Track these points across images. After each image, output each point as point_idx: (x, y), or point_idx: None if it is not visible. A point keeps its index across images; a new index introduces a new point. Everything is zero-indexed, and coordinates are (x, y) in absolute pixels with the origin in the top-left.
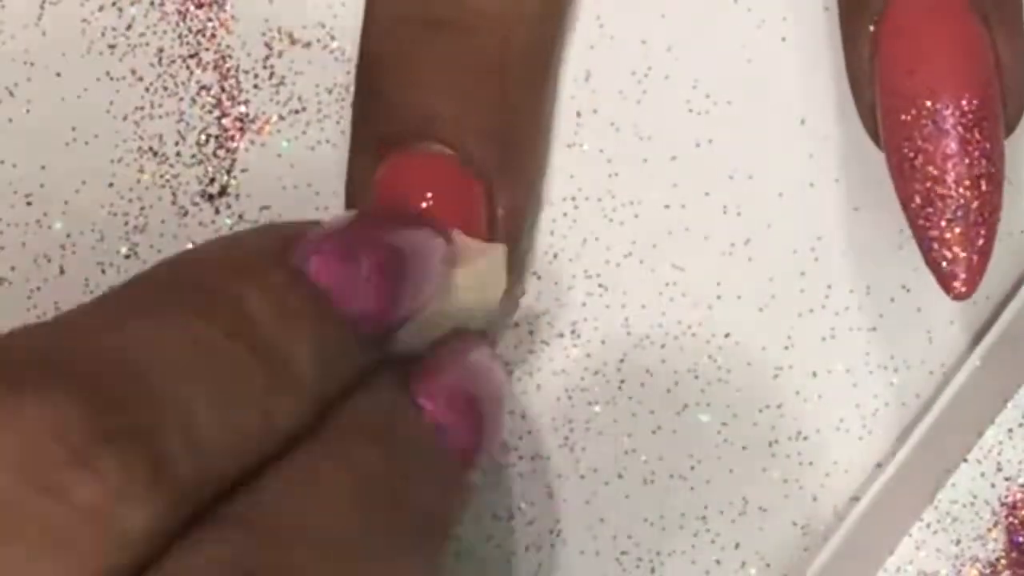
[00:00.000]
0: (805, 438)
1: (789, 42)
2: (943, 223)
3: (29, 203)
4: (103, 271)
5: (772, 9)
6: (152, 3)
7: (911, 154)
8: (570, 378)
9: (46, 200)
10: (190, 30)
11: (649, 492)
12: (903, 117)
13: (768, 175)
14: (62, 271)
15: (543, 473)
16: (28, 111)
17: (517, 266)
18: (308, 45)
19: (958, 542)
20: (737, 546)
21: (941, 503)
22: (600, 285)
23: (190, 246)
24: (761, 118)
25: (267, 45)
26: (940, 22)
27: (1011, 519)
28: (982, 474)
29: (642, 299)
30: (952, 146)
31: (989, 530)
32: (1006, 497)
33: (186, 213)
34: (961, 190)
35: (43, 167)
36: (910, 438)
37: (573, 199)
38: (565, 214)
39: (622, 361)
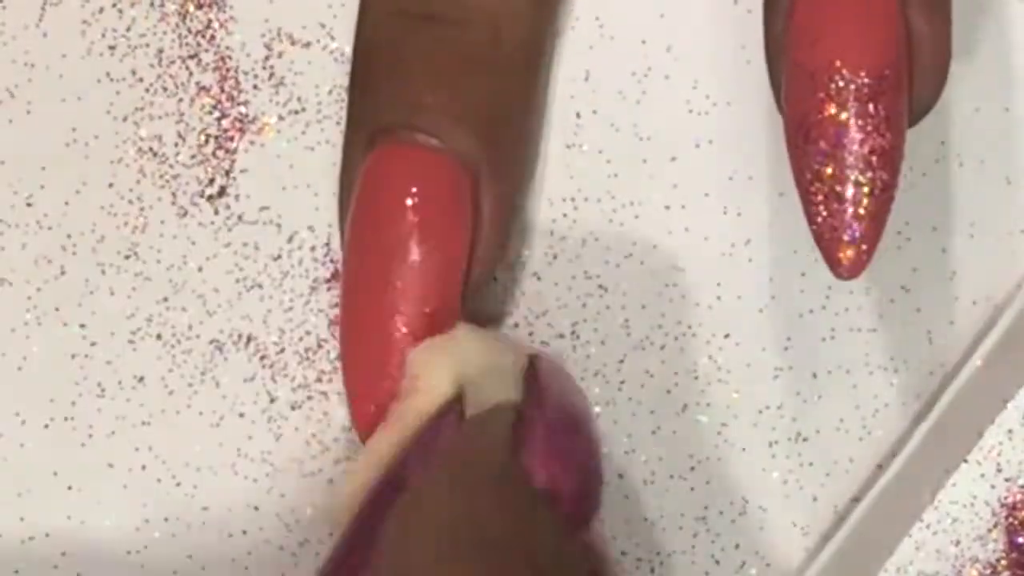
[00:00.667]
0: (805, 438)
1: None
2: (834, 199)
3: (29, 203)
4: (103, 271)
5: None
6: (152, 4)
7: (805, 126)
8: None
9: (46, 200)
10: (190, 31)
11: (649, 492)
12: (802, 88)
13: (768, 175)
14: (62, 271)
15: None
16: (28, 111)
17: (497, 258)
18: (308, 45)
19: (958, 543)
20: (737, 546)
21: (941, 504)
22: (600, 286)
23: (190, 247)
24: (761, 118)
25: (267, 46)
26: None
27: (1011, 520)
28: (982, 475)
29: (642, 299)
30: (846, 118)
31: (989, 531)
32: (1006, 498)
33: (186, 213)
34: (853, 165)
35: (43, 167)
36: (910, 438)
37: (573, 199)
38: (565, 214)
39: (622, 362)
